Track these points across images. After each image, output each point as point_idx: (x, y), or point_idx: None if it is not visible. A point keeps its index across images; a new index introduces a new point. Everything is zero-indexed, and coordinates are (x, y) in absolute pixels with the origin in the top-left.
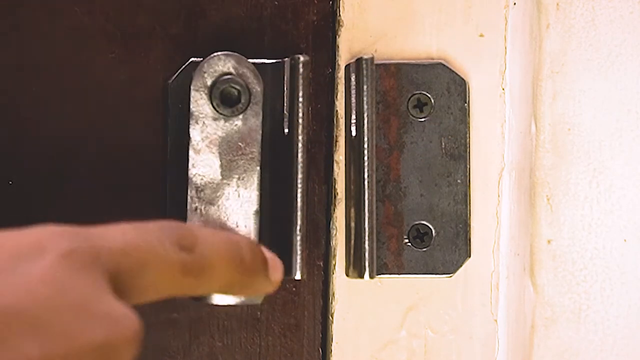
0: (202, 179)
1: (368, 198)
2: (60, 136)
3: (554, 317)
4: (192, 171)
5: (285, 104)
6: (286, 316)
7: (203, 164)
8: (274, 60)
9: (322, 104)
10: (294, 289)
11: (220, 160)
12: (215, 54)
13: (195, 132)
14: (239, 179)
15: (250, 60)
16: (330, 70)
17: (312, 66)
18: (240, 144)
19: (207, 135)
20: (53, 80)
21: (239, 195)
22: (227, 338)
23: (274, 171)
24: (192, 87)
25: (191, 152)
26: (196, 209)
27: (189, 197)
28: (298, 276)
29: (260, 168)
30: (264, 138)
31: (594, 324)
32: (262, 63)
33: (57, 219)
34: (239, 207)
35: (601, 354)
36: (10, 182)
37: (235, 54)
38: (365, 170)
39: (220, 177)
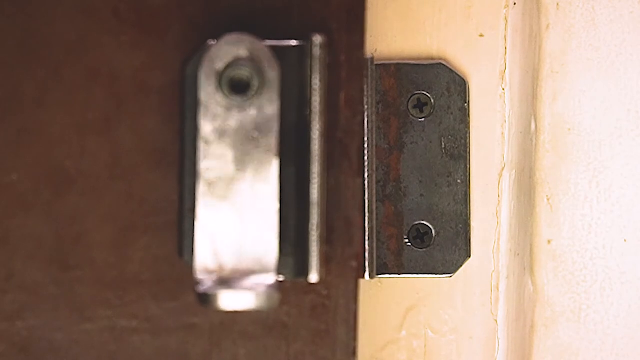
0: (213, 173)
1: (368, 198)
2: (67, 126)
3: (554, 317)
4: (202, 164)
5: (305, 89)
6: (316, 321)
7: (214, 157)
8: (299, 43)
9: (356, 89)
10: (324, 292)
11: (234, 153)
12: (226, 36)
13: (205, 122)
14: (255, 172)
15: (275, 42)
16: (363, 52)
17: (345, 48)
18: (255, 134)
19: (218, 125)
20: (59, 65)
21: (254, 189)
22: (250, 345)
23: (298, 163)
24: (200, 74)
25: (201, 144)
26: (207, 205)
27: (199, 193)
28: (314, 279)
29: (281, 160)
30: (290, 127)
31: (594, 324)
32: (288, 45)
33: (63, 215)
34: (256, 204)
35: (601, 354)
36: (15, 176)
37: (248, 35)
38: (365, 170)
39: (234, 171)
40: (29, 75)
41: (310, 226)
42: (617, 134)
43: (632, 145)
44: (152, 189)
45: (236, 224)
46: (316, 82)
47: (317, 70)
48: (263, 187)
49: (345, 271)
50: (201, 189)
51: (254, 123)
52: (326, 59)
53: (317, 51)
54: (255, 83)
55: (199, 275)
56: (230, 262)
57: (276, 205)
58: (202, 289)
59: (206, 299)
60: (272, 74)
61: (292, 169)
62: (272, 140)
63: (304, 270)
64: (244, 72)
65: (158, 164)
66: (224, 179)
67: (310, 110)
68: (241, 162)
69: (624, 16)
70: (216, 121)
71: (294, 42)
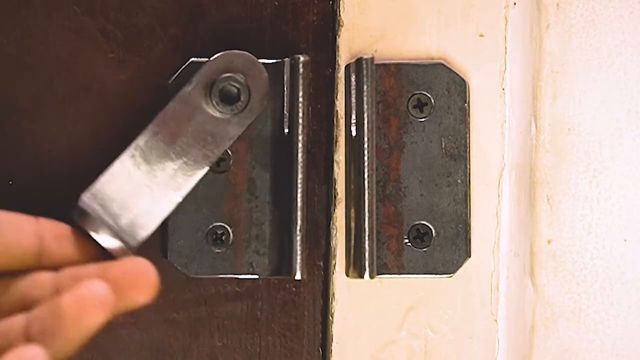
0: (153, 141)
1: (368, 198)
2: (59, 137)
3: (554, 317)
4: (149, 129)
5: (285, 104)
6: (286, 316)
7: (164, 132)
8: (274, 60)
9: (322, 104)
10: (294, 289)
11: (181, 137)
12: (229, 51)
13: (177, 106)
14: (184, 162)
15: None
16: (330, 70)
17: (312, 66)
18: (209, 138)
19: (184, 114)
20: (52, 80)
21: (174, 175)
22: (227, 338)
23: (274, 171)
24: (196, 76)
25: (161, 117)
26: (132, 156)
27: (133, 144)
28: (298, 276)
29: (255, 167)
30: (264, 138)
31: (594, 324)
32: (262, 63)
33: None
34: (165, 184)
35: (601, 354)
36: (10, 183)
37: (249, 54)
38: (365, 170)
39: (169, 149)
40: (25, 89)
41: (294, 229)
42: (617, 134)
43: (632, 145)
44: None
45: (141, 190)
46: (302, 98)
47: (302, 87)
48: (181, 178)
49: (313, 270)
50: (137, 142)
51: (216, 131)
52: (309, 76)
53: (302, 69)
54: (244, 97)
55: (82, 203)
56: (115, 209)
57: (179, 199)
58: (80, 205)
59: (81, 214)
60: (263, 88)
61: (267, 174)
62: (216, 152)
63: (279, 269)
64: (233, 85)
65: None
66: (157, 150)
67: (298, 124)
68: (180, 148)
69: (624, 16)
70: (185, 111)
71: (267, 60)
